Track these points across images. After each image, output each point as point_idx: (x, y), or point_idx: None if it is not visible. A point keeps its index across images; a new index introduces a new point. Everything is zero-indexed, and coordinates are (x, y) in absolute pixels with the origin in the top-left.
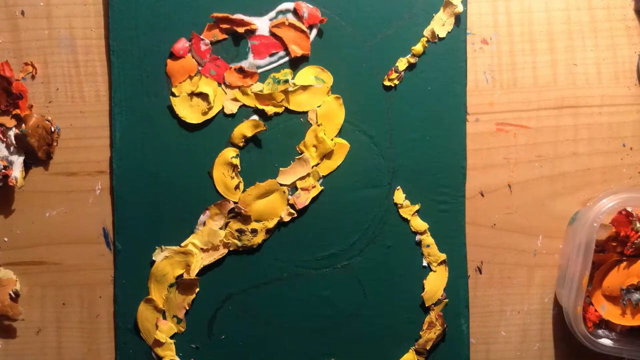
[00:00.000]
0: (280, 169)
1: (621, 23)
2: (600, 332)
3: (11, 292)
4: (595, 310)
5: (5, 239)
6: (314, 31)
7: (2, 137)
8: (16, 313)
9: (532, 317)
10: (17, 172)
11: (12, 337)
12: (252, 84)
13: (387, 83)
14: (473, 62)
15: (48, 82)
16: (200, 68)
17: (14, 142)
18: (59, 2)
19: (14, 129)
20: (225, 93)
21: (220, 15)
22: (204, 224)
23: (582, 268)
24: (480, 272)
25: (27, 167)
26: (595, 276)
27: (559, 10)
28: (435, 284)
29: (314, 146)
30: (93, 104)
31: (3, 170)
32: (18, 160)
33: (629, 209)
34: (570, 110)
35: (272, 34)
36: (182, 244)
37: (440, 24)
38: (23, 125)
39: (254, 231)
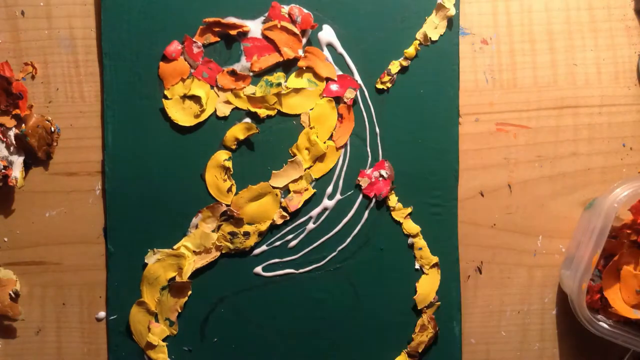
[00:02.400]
0: (273, 171)
1: (621, 23)
2: (599, 317)
3: (11, 292)
4: (599, 298)
5: (5, 239)
6: (307, 34)
7: (2, 137)
8: (16, 313)
9: (532, 317)
10: (17, 172)
11: (12, 337)
12: (245, 87)
13: (379, 86)
14: (473, 62)
15: (48, 82)
16: (192, 71)
17: (14, 142)
18: (59, 2)
19: (14, 129)
20: (218, 96)
21: (211, 19)
22: (197, 226)
23: (594, 248)
24: (480, 272)
25: (27, 167)
26: (608, 270)
27: (559, 10)
28: (427, 286)
29: (307, 149)
30: (93, 104)
31: (3, 170)
32: (18, 161)
33: None
34: (570, 111)
35: (265, 37)
36: (175, 247)
37: (433, 27)
38: (23, 125)
39: (247, 234)
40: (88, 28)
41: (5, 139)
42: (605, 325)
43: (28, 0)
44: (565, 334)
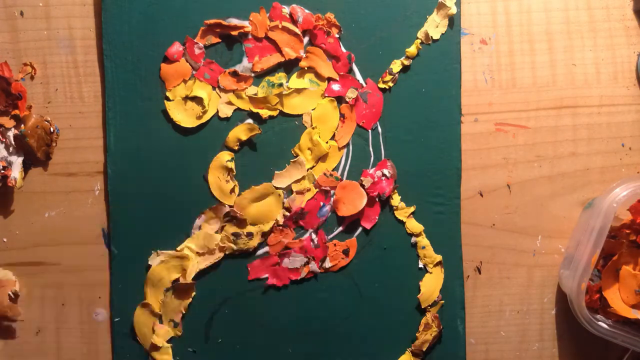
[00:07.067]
0: (276, 172)
1: (620, 23)
2: (598, 316)
3: (10, 293)
4: (598, 298)
5: (5, 240)
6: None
7: (1, 137)
8: (15, 314)
9: (532, 317)
10: (16, 172)
11: (12, 338)
12: (247, 88)
13: (381, 85)
14: (472, 62)
15: (47, 83)
16: (194, 72)
17: (13, 142)
18: (58, 2)
19: (13, 129)
20: (220, 97)
21: (212, 21)
22: (200, 228)
23: (593, 247)
24: (480, 272)
25: (26, 167)
26: (607, 269)
27: (558, 11)
28: (431, 285)
29: (309, 149)
30: (92, 105)
31: (2, 171)
32: (17, 161)
33: None
34: (569, 110)
35: (266, 37)
36: (178, 248)
37: (434, 26)
38: (22, 125)
39: (250, 235)
40: (87, 28)
41: (4, 140)
42: (605, 325)
43: (27, 1)
44: (565, 333)
